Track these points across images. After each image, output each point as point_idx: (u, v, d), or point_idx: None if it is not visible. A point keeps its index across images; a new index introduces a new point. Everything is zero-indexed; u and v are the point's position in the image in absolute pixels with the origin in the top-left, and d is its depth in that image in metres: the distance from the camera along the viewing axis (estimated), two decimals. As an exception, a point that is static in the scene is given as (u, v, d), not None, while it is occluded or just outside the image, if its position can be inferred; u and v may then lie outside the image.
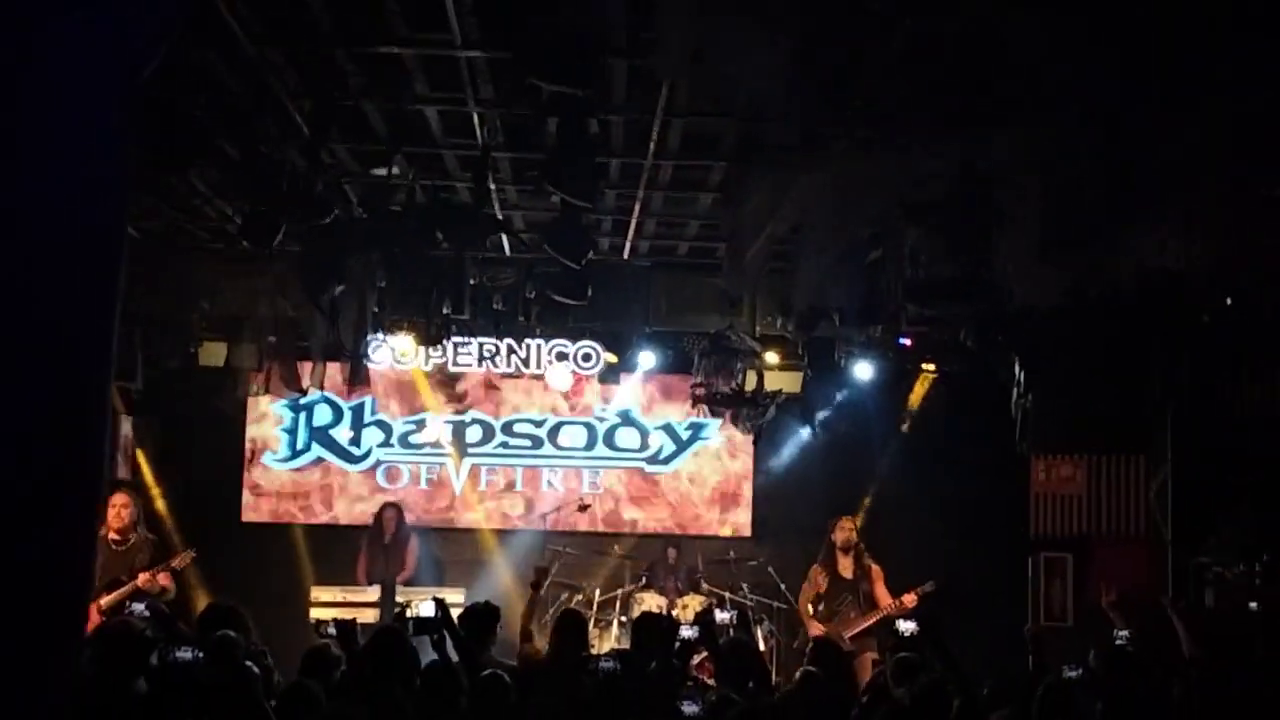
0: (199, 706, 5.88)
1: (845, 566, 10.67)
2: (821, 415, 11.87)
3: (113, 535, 9.42)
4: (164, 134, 6.34)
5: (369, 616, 10.61)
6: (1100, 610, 10.40)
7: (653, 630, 8.33)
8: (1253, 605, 7.79)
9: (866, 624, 10.39)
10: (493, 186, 7.91)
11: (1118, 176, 5.13)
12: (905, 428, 12.02)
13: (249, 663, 6.47)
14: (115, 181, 1.71)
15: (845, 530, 10.74)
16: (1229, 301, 5.87)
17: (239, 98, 6.68)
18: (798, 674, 7.98)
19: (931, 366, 11.17)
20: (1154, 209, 5.36)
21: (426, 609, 8.17)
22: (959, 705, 7.72)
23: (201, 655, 6.53)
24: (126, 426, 11.51)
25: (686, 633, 7.75)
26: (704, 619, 8.11)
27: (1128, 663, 7.76)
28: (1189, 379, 9.65)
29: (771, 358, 10.87)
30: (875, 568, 10.72)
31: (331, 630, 7.68)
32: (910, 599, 10.35)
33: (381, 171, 7.49)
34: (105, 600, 9.18)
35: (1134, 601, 9.58)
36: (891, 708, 7.48)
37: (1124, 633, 8.15)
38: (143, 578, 9.27)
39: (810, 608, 10.75)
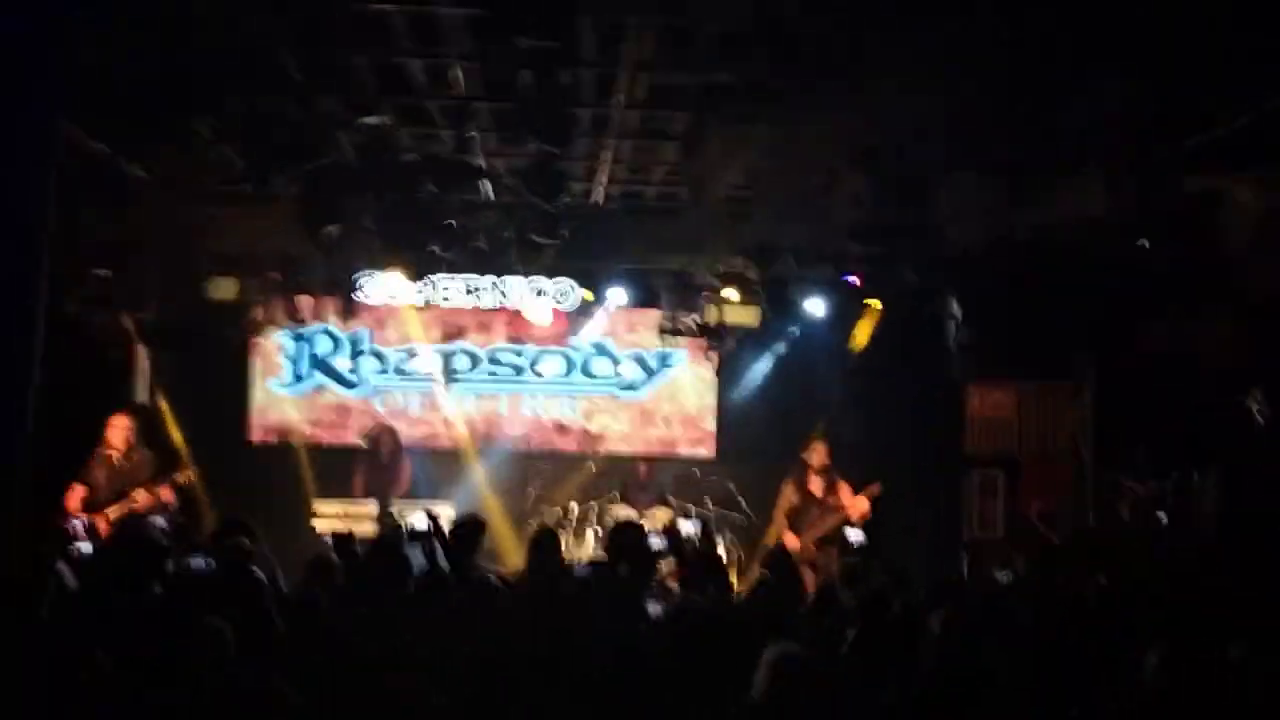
0: (210, 609, 5.87)
1: (816, 485, 10.74)
2: (777, 347, 11.88)
3: (116, 453, 9.41)
4: (168, 85, 6.23)
5: (367, 528, 10.62)
6: (1027, 521, 10.51)
7: (625, 537, 8.40)
8: (1161, 516, 7.85)
9: (830, 524, 10.46)
10: (474, 135, 7.81)
11: (1045, 133, 5.10)
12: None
13: (255, 569, 6.48)
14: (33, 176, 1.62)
15: (819, 454, 10.78)
16: (1145, 244, 5.86)
17: (237, 52, 6.55)
18: (755, 579, 8.04)
19: (876, 303, 11.13)
20: (1078, 162, 5.33)
21: (419, 522, 8.21)
22: (899, 607, 7.82)
23: (213, 563, 6.53)
24: (141, 355, 11.41)
25: (656, 543, 7.80)
26: (671, 530, 8.15)
27: (1051, 567, 7.86)
28: (1109, 315, 9.67)
29: (731, 294, 10.82)
30: (842, 482, 10.77)
31: (329, 540, 7.70)
32: (862, 500, 10.44)
33: (371, 121, 7.37)
34: (112, 511, 9.18)
35: (1055, 515, 9.68)
36: (838, 609, 7.58)
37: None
38: (141, 494, 9.27)
39: (784, 519, 10.83)
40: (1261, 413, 8.97)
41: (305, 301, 10.92)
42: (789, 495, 10.81)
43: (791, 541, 10.37)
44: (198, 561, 6.75)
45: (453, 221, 8.49)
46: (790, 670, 4.47)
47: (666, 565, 8.09)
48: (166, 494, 9.43)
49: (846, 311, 11.53)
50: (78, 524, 7.25)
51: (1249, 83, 6.22)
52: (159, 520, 9.02)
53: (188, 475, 9.62)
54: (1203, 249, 7.01)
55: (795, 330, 11.81)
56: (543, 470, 11.86)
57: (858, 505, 10.50)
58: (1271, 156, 6.64)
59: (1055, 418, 11.70)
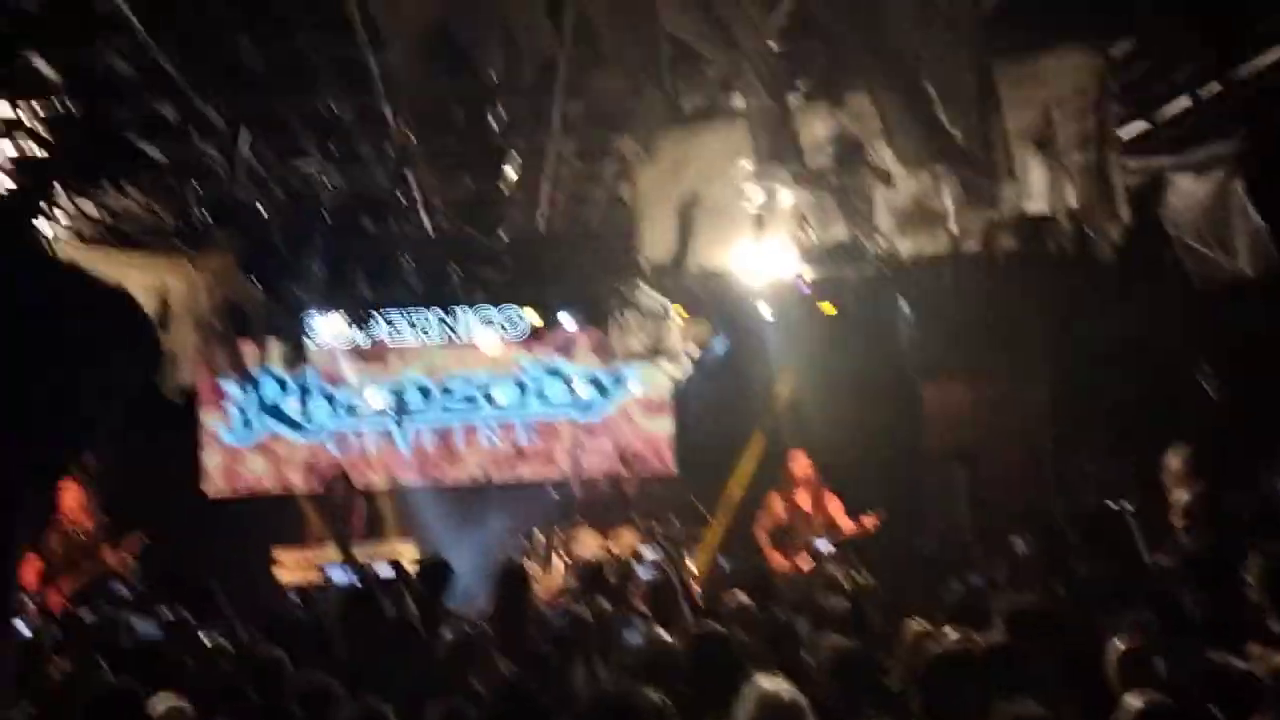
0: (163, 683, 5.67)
1: (804, 499, 10.41)
2: (731, 359, 11.75)
3: (69, 524, 9.14)
4: (89, 146, 6.04)
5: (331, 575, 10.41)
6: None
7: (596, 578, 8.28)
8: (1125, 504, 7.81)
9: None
10: (409, 173, 7.65)
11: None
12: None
13: (206, 637, 6.28)
14: None
15: (801, 465, 10.46)
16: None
17: (155, 103, 6.37)
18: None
19: (828, 306, 11.04)
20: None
21: (383, 570, 8.07)
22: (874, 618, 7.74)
23: (160, 629, 6.32)
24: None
25: (641, 572, 7.72)
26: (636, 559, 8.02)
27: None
28: (1060, 306, 9.69)
29: (680, 312, 10.63)
30: (830, 494, 10.45)
31: (295, 597, 7.52)
32: (872, 521, 10.15)
33: (303, 165, 7.19)
34: (66, 584, 8.91)
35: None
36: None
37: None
38: (107, 553, 9.07)
39: (768, 537, 10.48)
40: (1213, 387, 9.01)
41: (249, 348, 10.65)
42: (774, 510, 10.44)
43: (778, 562, 10.13)
44: (146, 627, 6.55)
45: (394, 260, 8.34)
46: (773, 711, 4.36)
47: (638, 591, 7.97)
48: (121, 561, 9.16)
49: (798, 318, 11.45)
50: (26, 600, 7.04)
51: (1185, 66, 6.24)
52: (120, 589, 8.77)
53: (133, 542, 9.33)
54: (1146, 235, 7.01)
55: (748, 340, 11.72)
56: (505, 500, 11.70)
57: (864, 526, 10.15)
58: (1208, 139, 6.66)
59: (1012, 410, 11.67)
